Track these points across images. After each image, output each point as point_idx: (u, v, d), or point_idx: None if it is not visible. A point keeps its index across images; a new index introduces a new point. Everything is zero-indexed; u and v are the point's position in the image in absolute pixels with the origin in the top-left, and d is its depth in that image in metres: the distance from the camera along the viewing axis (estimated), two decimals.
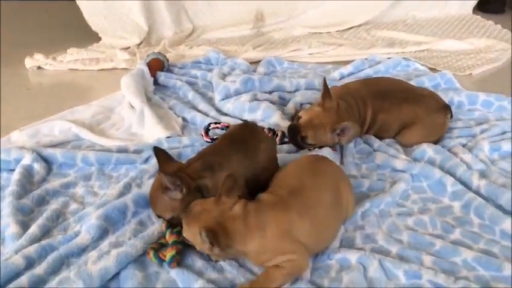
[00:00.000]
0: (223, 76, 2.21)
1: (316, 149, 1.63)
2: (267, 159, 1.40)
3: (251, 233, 1.12)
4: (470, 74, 2.33)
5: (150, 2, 2.87)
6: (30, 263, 1.21)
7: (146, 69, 2.20)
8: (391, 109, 1.70)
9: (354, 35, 2.89)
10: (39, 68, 2.57)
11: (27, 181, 1.54)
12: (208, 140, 1.73)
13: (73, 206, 1.45)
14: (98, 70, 2.54)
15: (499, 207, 1.36)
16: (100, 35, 2.89)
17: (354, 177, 1.55)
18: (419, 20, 3.06)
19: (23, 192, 1.48)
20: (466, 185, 1.46)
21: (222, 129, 1.78)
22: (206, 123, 1.81)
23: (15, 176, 1.53)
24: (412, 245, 1.26)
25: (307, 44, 2.69)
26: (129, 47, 2.78)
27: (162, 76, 2.27)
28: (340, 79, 2.21)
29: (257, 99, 1.97)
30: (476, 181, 1.45)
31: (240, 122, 1.87)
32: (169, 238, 1.24)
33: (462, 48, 2.61)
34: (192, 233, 1.15)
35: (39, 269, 1.18)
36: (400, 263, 1.18)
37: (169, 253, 1.20)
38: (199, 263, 1.22)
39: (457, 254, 1.21)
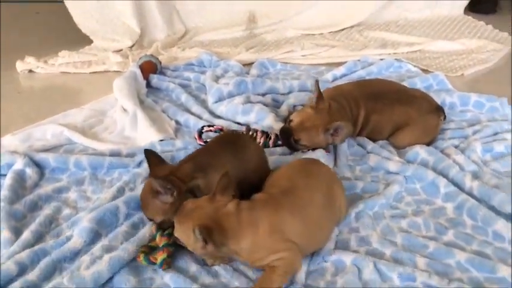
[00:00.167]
0: (217, 78, 2.21)
1: (310, 151, 1.63)
2: (256, 159, 1.41)
3: (244, 230, 1.13)
4: (462, 74, 2.34)
5: (142, 4, 2.86)
6: (22, 269, 1.20)
7: (139, 71, 2.20)
8: (383, 110, 1.70)
9: (347, 36, 2.90)
10: (30, 71, 2.56)
11: (20, 186, 1.53)
12: (202, 143, 1.72)
13: (66, 211, 1.44)
14: (90, 73, 2.54)
15: (492, 208, 1.37)
16: (91, 37, 2.87)
17: (347, 179, 1.55)
18: (412, 20, 3.07)
19: (15, 197, 1.47)
20: (459, 187, 1.47)
21: (216, 132, 1.78)
22: (199, 126, 1.81)
23: (7, 181, 1.52)
24: (406, 247, 1.27)
25: (300, 45, 2.70)
26: (121, 50, 2.77)
27: (154, 79, 2.26)
28: (333, 81, 2.22)
29: (250, 102, 1.97)
30: (469, 182, 1.46)
31: (233, 124, 1.87)
32: (160, 241, 1.24)
33: (454, 48, 2.62)
34: (184, 232, 1.14)
35: (32, 275, 1.17)
36: (395, 265, 1.18)
37: (160, 256, 1.20)
38: (193, 267, 1.21)
39: (450, 256, 1.22)
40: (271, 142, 1.73)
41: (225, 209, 1.14)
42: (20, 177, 1.56)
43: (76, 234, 1.30)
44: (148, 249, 1.25)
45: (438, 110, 1.73)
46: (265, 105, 1.96)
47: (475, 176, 1.50)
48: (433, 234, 1.31)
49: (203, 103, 2.07)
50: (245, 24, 3.04)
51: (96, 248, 1.25)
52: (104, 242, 1.28)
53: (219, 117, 1.95)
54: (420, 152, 1.61)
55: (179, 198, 1.22)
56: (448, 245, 1.26)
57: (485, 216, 1.34)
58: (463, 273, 1.17)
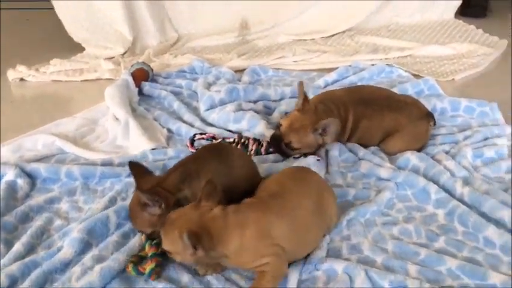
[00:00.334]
0: (208, 85, 2.21)
1: (302, 157, 1.63)
2: (243, 166, 1.41)
3: (231, 232, 1.13)
4: (453, 79, 2.35)
5: (134, 11, 2.86)
6: (13, 282, 1.19)
7: (131, 79, 2.19)
8: (373, 116, 1.71)
9: (338, 42, 2.91)
10: (22, 79, 2.55)
11: (11, 197, 1.52)
12: (194, 151, 1.72)
13: (57, 222, 1.43)
14: (81, 81, 2.53)
15: (483, 214, 1.37)
16: (83, 45, 2.87)
17: (339, 186, 1.55)
18: (402, 25, 3.09)
19: (6, 209, 1.46)
20: (450, 193, 1.48)
21: (208, 139, 1.78)
22: (191, 134, 1.81)
23: None
24: (397, 255, 1.27)
25: (292, 51, 2.70)
26: (113, 57, 2.76)
27: (146, 86, 2.26)
28: (324, 87, 2.22)
29: (242, 109, 1.97)
30: (459, 188, 1.46)
31: (225, 132, 1.87)
32: (149, 250, 1.25)
33: (445, 53, 2.64)
34: (172, 242, 1.13)
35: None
36: (386, 273, 1.18)
37: (148, 266, 1.20)
38: (185, 278, 1.21)
39: (441, 263, 1.22)
40: (263, 149, 1.73)
41: (210, 213, 1.14)
42: (11, 188, 1.55)
43: (66, 244, 1.29)
44: (138, 258, 1.25)
45: (428, 116, 1.74)
46: (257, 112, 1.96)
47: (466, 182, 1.50)
48: (424, 241, 1.32)
49: (195, 111, 2.08)
50: (237, 31, 3.04)
51: (87, 259, 1.25)
52: (94, 252, 1.28)
53: (211, 124, 1.95)
54: (411, 158, 1.62)
55: (167, 210, 1.21)
56: (439, 252, 1.26)
57: (476, 223, 1.34)
58: (454, 280, 1.18)
